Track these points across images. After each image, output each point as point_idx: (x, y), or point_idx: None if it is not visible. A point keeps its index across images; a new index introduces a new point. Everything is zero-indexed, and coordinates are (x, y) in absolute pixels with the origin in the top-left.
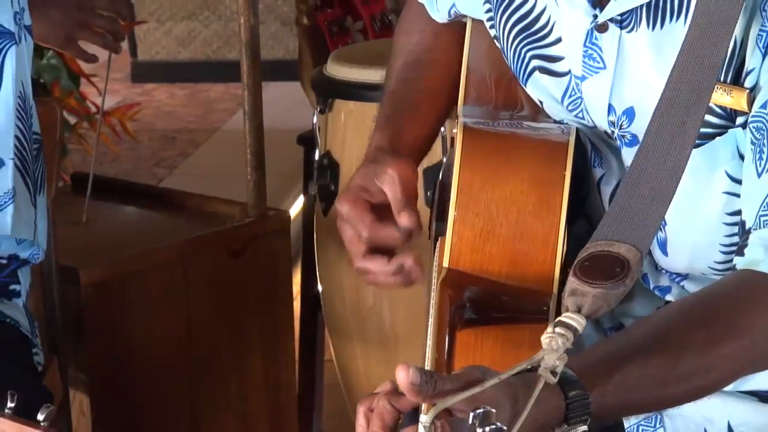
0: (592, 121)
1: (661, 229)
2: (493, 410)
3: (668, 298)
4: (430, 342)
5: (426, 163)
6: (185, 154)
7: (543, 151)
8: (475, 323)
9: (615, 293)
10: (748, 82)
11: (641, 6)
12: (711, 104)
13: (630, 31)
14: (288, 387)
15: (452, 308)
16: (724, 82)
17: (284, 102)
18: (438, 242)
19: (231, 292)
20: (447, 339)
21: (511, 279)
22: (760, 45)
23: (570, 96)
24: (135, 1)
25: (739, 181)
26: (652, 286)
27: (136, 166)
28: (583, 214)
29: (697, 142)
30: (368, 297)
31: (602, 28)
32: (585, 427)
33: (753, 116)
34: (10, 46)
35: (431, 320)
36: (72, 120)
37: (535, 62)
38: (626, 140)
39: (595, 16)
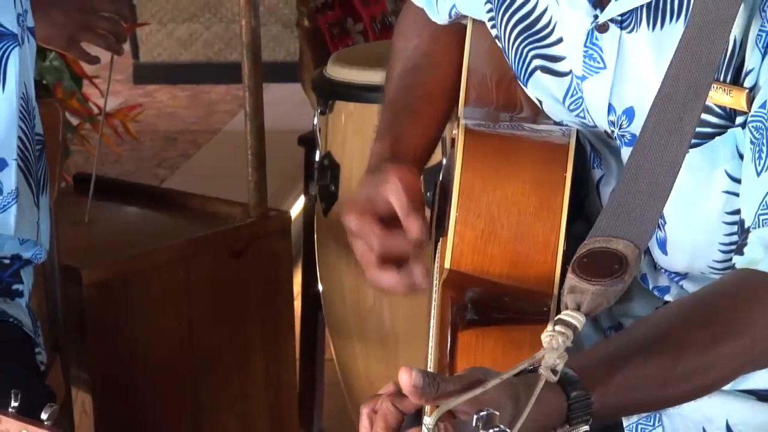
0: (593, 120)
1: (660, 228)
2: (497, 413)
3: (667, 298)
4: (432, 343)
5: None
6: (187, 155)
7: (544, 153)
8: (477, 324)
9: (614, 290)
10: (748, 82)
11: (641, 6)
12: (711, 104)
13: (630, 32)
14: (289, 386)
15: (454, 309)
16: (724, 81)
17: (285, 103)
18: (439, 243)
19: (232, 292)
20: (449, 340)
21: (512, 280)
22: (760, 45)
23: (572, 96)
24: (137, 3)
25: (738, 181)
26: (651, 286)
27: (138, 167)
28: (582, 215)
29: (696, 141)
30: (368, 297)
31: (603, 28)
32: (587, 427)
33: (752, 116)
34: (13, 48)
35: (433, 321)
36: (74, 121)
37: (536, 62)
38: (626, 140)
39: (596, 17)
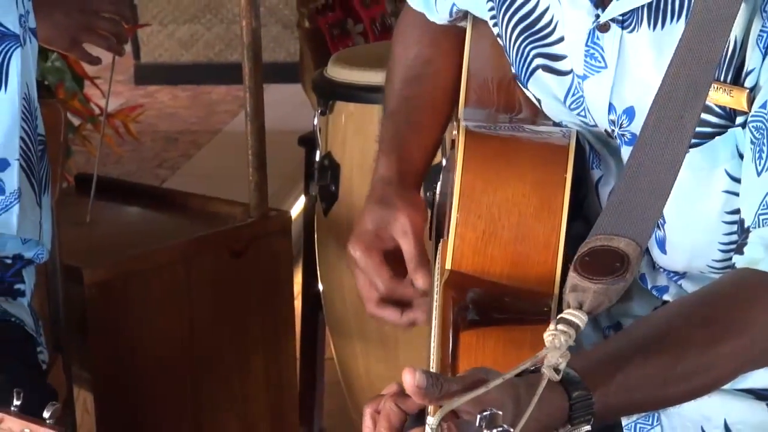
0: (593, 119)
1: (660, 228)
2: (500, 412)
3: (666, 297)
4: (434, 343)
5: None
6: (188, 155)
7: (544, 154)
8: (478, 324)
9: (616, 288)
10: (748, 82)
11: (642, 6)
12: (711, 104)
13: (631, 31)
14: (289, 385)
15: (455, 309)
16: (724, 81)
17: (285, 104)
18: (440, 244)
19: (233, 292)
20: (450, 340)
21: (513, 280)
22: (761, 45)
23: (573, 95)
24: (138, 4)
25: (738, 180)
26: (649, 286)
27: (139, 167)
28: (582, 215)
29: (696, 141)
30: None
31: (604, 27)
32: (588, 427)
33: (753, 116)
34: (15, 49)
35: (435, 321)
36: (76, 121)
37: (538, 60)
38: (626, 139)
39: (597, 16)
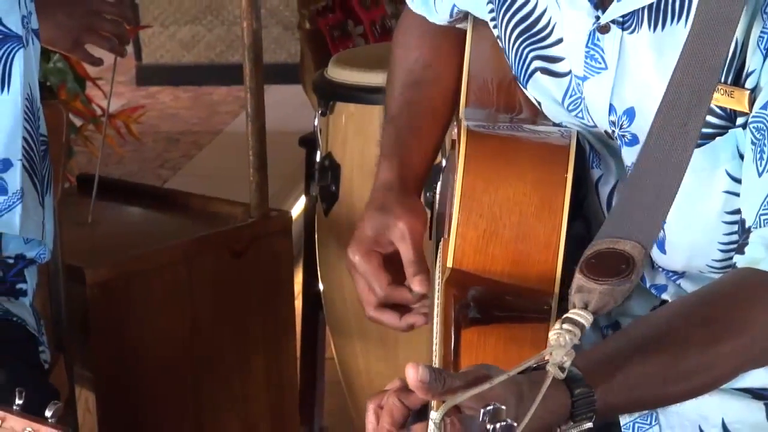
0: (592, 120)
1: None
2: (503, 407)
3: (664, 296)
4: (436, 340)
5: None
6: (189, 155)
7: (545, 153)
8: (479, 322)
9: (621, 289)
10: (749, 83)
11: (643, 8)
12: (712, 105)
13: (631, 33)
14: (290, 384)
15: (456, 307)
16: (725, 82)
17: (286, 105)
18: (441, 243)
19: (234, 292)
20: (452, 337)
21: (514, 279)
22: (761, 47)
23: (570, 96)
24: (140, 5)
25: (739, 181)
26: (648, 285)
27: (141, 168)
28: (581, 214)
29: (698, 141)
30: None
31: (604, 29)
32: (590, 424)
33: (753, 117)
34: (18, 50)
35: (436, 319)
36: (78, 122)
37: (536, 63)
38: (626, 140)
39: (597, 18)
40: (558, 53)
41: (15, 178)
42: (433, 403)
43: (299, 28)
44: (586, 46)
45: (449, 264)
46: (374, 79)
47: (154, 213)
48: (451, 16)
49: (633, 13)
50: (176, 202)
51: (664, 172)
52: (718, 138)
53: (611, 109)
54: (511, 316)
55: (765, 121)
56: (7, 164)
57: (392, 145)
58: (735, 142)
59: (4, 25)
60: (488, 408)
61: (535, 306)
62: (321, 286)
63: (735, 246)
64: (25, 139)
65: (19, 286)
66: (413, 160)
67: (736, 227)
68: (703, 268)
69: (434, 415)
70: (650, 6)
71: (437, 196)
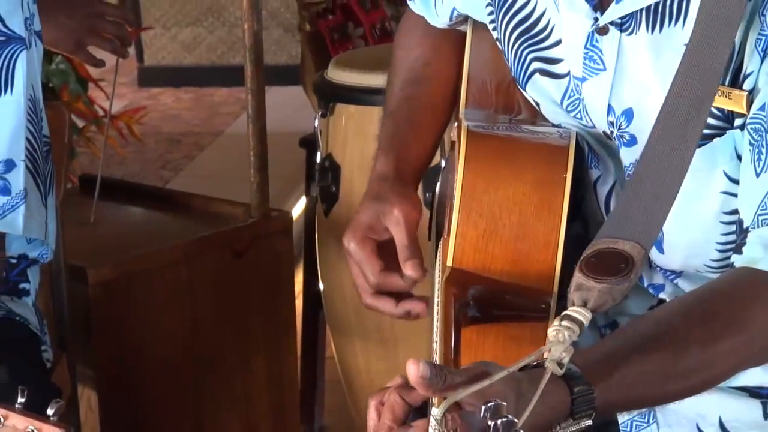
0: (591, 121)
1: None
2: (504, 403)
3: (662, 296)
4: (437, 338)
5: None
6: (190, 156)
7: (544, 154)
8: (478, 321)
9: (620, 288)
10: (747, 85)
11: (641, 10)
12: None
13: (630, 34)
14: (290, 384)
15: (456, 306)
16: (723, 84)
17: (287, 106)
18: (440, 242)
19: (235, 292)
20: (453, 336)
21: (513, 278)
22: (759, 49)
23: (569, 97)
24: (142, 7)
25: (736, 181)
26: (646, 284)
27: (143, 168)
28: (579, 215)
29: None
30: None
31: (603, 30)
32: (590, 422)
33: (751, 118)
34: (21, 51)
35: (436, 317)
36: (80, 123)
37: (535, 64)
38: (625, 140)
39: (596, 19)
40: (557, 55)
41: (18, 179)
42: (434, 400)
43: (300, 29)
44: (585, 48)
45: (449, 263)
46: (374, 80)
47: (155, 213)
48: (450, 19)
49: (631, 14)
50: (178, 203)
51: (664, 175)
52: (716, 139)
53: (610, 109)
54: (510, 314)
55: (762, 123)
56: (10, 165)
57: (390, 139)
58: (733, 143)
59: (7, 27)
60: (489, 404)
61: (534, 305)
62: (321, 286)
63: (733, 246)
64: (28, 139)
65: (22, 285)
66: (410, 154)
67: (733, 227)
68: (701, 268)
69: (435, 412)
70: (648, 8)
71: (437, 197)
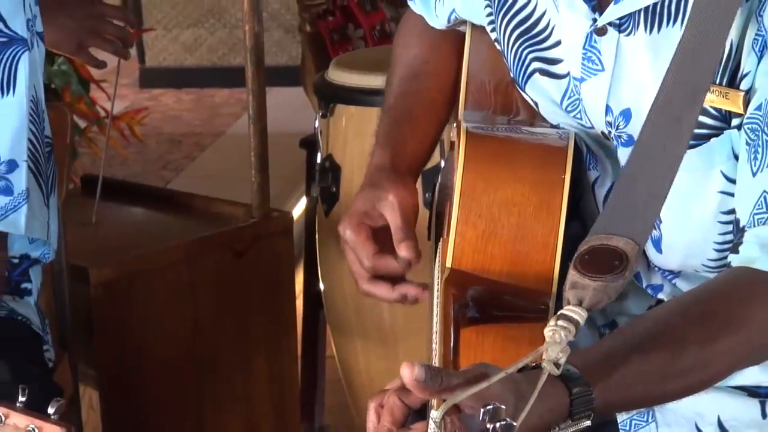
0: (590, 121)
1: (656, 227)
2: (503, 407)
3: (660, 296)
4: (436, 339)
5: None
6: (191, 157)
7: (543, 155)
8: (477, 321)
9: (615, 286)
10: (744, 85)
11: (639, 10)
12: (707, 106)
13: (628, 35)
14: (291, 383)
15: (455, 306)
16: (720, 84)
17: (287, 107)
18: (440, 242)
19: (235, 291)
20: (452, 336)
21: (512, 278)
22: (756, 49)
23: (569, 97)
24: (143, 9)
25: (734, 181)
26: (644, 285)
27: (144, 169)
28: (578, 215)
29: (693, 142)
30: None
31: (601, 31)
32: (588, 423)
33: (748, 118)
34: (23, 52)
35: (436, 318)
36: (82, 124)
37: (535, 64)
38: (623, 140)
39: (595, 20)
40: (557, 55)
41: (20, 179)
42: (434, 402)
43: (300, 31)
44: (583, 48)
45: (448, 264)
46: (374, 81)
47: (157, 213)
48: (448, 21)
49: (630, 15)
50: (179, 203)
51: (656, 169)
52: (713, 139)
53: (608, 110)
54: (509, 315)
55: (759, 122)
56: (12, 165)
57: (386, 133)
58: (730, 143)
59: (9, 28)
60: (488, 407)
61: (532, 305)
62: (321, 286)
63: (730, 245)
64: (30, 140)
65: (24, 285)
66: (407, 148)
67: (731, 227)
68: (699, 268)
69: (434, 414)
70: (646, 9)
71: (436, 197)
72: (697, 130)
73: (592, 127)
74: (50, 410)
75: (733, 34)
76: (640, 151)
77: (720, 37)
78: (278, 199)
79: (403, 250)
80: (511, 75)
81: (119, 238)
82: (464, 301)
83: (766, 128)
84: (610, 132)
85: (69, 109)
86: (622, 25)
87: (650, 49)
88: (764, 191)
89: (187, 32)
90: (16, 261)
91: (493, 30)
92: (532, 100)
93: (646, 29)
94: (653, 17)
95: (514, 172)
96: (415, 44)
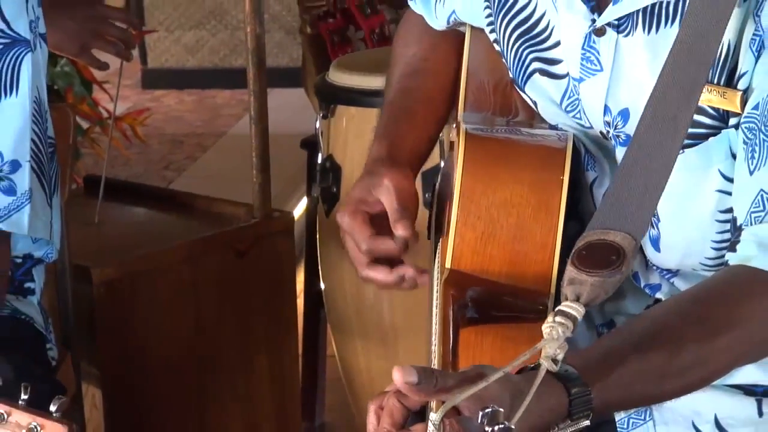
0: (589, 121)
1: (654, 226)
2: (501, 410)
3: (658, 295)
4: (435, 340)
5: (424, 166)
6: (193, 157)
7: (542, 156)
8: (476, 322)
9: (612, 281)
10: (741, 84)
11: (638, 11)
12: (705, 105)
13: (626, 35)
14: (292, 382)
15: (455, 307)
16: (718, 83)
17: (288, 108)
18: (439, 243)
19: (237, 291)
20: (451, 337)
21: (511, 279)
22: (753, 48)
23: (569, 98)
24: (145, 10)
25: (731, 180)
26: (642, 284)
27: (146, 169)
28: (576, 216)
29: (691, 141)
30: (368, 294)
31: (600, 32)
32: (587, 422)
33: (745, 117)
34: (26, 53)
35: (435, 318)
36: (85, 125)
37: (535, 65)
38: (621, 140)
39: (593, 21)
40: (556, 55)
41: (24, 179)
42: (433, 404)
43: (301, 32)
44: (582, 49)
45: (447, 264)
46: (374, 82)
47: (159, 213)
48: (448, 23)
49: (628, 16)
50: (181, 203)
51: (653, 164)
52: (711, 138)
53: (606, 110)
54: (508, 315)
55: (756, 122)
56: (16, 165)
57: (385, 128)
58: (728, 143)
59: (12, 30)
60: (486, 410)
61: (531, 306)
62: (322, 285)
63: (728, 244)
64: (33, 141)
65: (27, 284)
66: (405, 142)
67: (728, 226)
68: (697, 266)
69: (433, 417)
70: (645, 9)
71: (436, 197)
72: (694, 130)
73: (591, 127)
74: (52, 408)
75: (730, 34)
76: (637, 147)
77: (715, 36)
78: (279, 199)
79: (400, 229)
80: (511, 75)
81: (122, 238)
82: (463, 301)
83: (763, 127)
84: (608, 132)
85: (72, 110)
86: (621, 25)
87: (648, 50)
88: (761, 190)
89: (189, 34)
90: (19, 260)
91: (492, 31)
92: (531, 100)
93: (644, 30)
94: (651, 18)
95: (513, 173)
96: (414, 43)
